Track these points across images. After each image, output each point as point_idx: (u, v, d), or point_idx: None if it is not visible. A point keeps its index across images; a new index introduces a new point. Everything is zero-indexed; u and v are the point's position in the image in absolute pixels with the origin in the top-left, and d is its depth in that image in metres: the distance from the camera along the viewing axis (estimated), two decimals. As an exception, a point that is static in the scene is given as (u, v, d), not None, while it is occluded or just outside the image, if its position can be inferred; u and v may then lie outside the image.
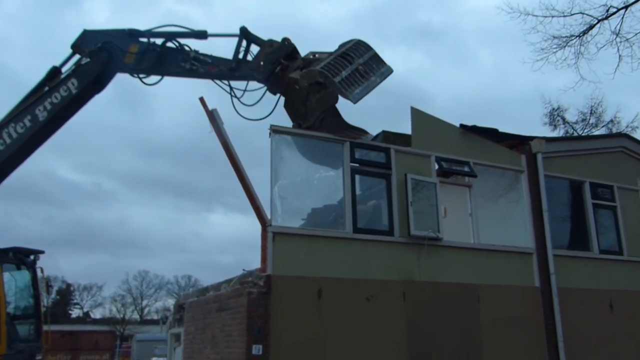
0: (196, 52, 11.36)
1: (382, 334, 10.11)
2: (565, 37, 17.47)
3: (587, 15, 16.87)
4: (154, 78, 11.72)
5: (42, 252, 14.46)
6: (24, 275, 14.16)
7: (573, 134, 35.14)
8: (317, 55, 11.00)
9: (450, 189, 12.45)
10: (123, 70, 11.76)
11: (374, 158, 10.96)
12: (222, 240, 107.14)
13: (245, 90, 11.27)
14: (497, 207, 12.95)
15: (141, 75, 11.68)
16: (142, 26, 12.58)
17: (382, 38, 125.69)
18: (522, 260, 12.19)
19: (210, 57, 11.32)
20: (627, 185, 14.48)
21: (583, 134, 33.87)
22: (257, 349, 9.01)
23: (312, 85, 10.34)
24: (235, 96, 11.26)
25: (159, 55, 11.42)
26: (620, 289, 13.25)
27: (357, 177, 10.79)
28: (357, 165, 10.76)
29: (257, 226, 9.73)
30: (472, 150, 12.29)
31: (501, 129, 12.77)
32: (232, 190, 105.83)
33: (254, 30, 11.25)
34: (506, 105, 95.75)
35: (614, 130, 33.37)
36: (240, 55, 11.26)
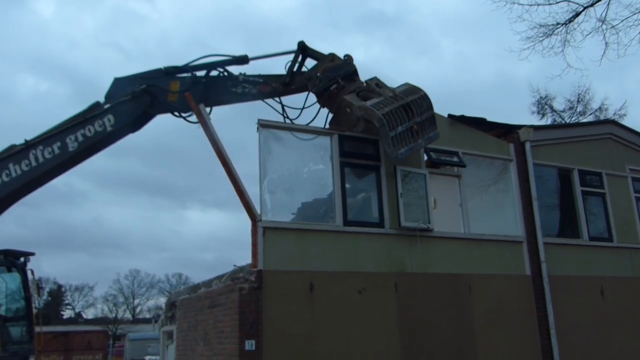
0: (244, 74, 11.11)
1: (374, 326, 10.11)
2: (552, 25, 17.47)
3: (573, 2, 16.87)
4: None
5: (32, 254, 14.37)
6: (15, 278, 14.08)
7: (561, 122, 35.26)
8: (380, 87, 10.71)
9: (439, 180, 12.47)
10: (166, 111, 11.32)
11: (363, 150, 10.92)
12: (201, 238, 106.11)
13: (303, 108, 11.21)
14: (487, 197, 12.97)
15: (185, 114, 11.16)
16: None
17: (336, 27, 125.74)
18: (512, 249, 12.23)
19: (260, 76, 11.12)
20: (615, 172, 14.54)
21: (571, 122, 33.98)
22: (250, 344, 9.00)
23: (365, 118, 10.35)
24: (288, 117, 11.20)
25: (205, 87, 11.03)
26: (611, 275, 13.32)
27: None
28: (346, 157, 10.74)
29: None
30: (460, 140, 12.29)
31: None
32: (206, 186, 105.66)
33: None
34: (471, 94, 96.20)
35: (602, 118, 33.51)
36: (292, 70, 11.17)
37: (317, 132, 10.79)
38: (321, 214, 10.78)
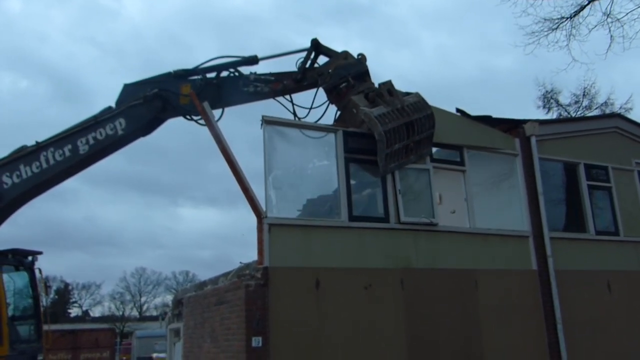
0: (255, 73, 11.11)
1: (381, 322, 10.12)
2: (556, 19, 17.46)
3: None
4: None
5: (40, 252, 14.42)
6: (23, 277, 14.13)
7: (567, 116, 35.14)
8: (392, 94, 10.68)
9: (445, 176, 12.45)
10: (178, 115, 11.29)
11: (367, 146, 10.84)
12: (197, 235, 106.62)
13: (310, 108, 11.22)
14: (493, 192, 12.96)
15: (196, 117, 11.06)
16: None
17: (307, 19, 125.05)
18: (518, 243, 12.21)
19: (272, 74, 11.13)
20: (621, 166, 14.48)
21: (577, 116, 33.85)
22: (256, 341, 9.02)
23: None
24: (297, 116, 11.23)
25: (216, 88, 11.01)
26: (618, 270, 13.29)
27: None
28: (351, 154, 10.73)
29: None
30: (466, 135, 12.27)
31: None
32: (195, 183, 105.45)
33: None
34: (455, 88, 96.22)
35: (608, 112, 33.38)
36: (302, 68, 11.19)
37: (322, 128, 10.81)
38: (326, 210, 10.79)
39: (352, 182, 10.82)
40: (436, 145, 11.63)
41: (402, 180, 11.08)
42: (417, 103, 10.80)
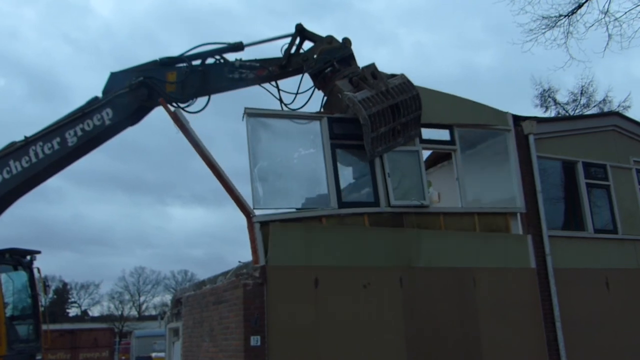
0: (240, 60, 11.14)
1: (379, 320, 10.11)
2: (554, 17, 17.47)
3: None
4: (199, 104, 11.11)
5: (38, 252, 14.46)
6: (21, 276, 14.17)
7: (565, 114, 35.15)
8: (375, 77, 10.57)
9: (443, 174, 12.40)
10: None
11: (353, 131, 10.66)
12: (188, 233, 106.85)
13: (297, 93, 11.25)
14: (489, 186, 12.91)
15: (183, 105, 11.03)
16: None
17: (280, 15, 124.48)
18: (517, 242, 12.19)
19: (257, 60, 11.15)
20: (620, 164, 14.45)
21: (574, 114, 33.86)
22: (255, 340, 9.03)
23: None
24: (283, 102, 11.26)
25: (202, 75, 11.03)
26: (616, 268, 13.28)
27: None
28: (337, 140, 10.66)
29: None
30: (455, 113, 12.11)
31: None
32: (181, 182, 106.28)
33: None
34: (438, 85, 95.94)
35: (606, 110, 33.39)
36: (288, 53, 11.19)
37: (305, 116, 10.78)
38: (315, 199, 10.68)
39: (345, 168, 10.77)
40: (425, 125, 11.46)
41: (391, 163, 10.95)
42: (402, 85, 10.73)
